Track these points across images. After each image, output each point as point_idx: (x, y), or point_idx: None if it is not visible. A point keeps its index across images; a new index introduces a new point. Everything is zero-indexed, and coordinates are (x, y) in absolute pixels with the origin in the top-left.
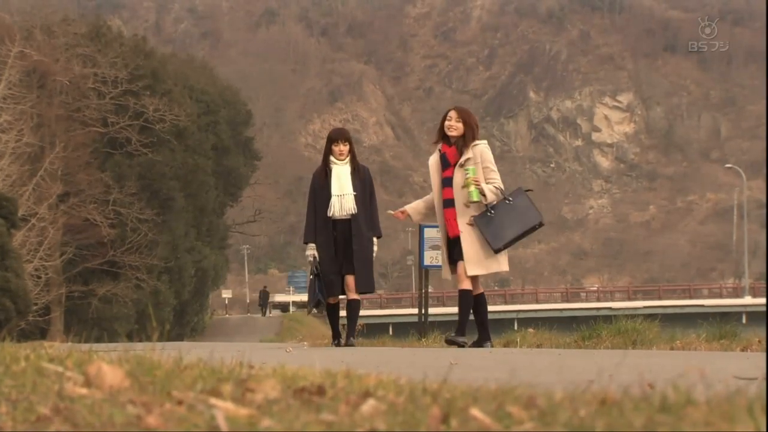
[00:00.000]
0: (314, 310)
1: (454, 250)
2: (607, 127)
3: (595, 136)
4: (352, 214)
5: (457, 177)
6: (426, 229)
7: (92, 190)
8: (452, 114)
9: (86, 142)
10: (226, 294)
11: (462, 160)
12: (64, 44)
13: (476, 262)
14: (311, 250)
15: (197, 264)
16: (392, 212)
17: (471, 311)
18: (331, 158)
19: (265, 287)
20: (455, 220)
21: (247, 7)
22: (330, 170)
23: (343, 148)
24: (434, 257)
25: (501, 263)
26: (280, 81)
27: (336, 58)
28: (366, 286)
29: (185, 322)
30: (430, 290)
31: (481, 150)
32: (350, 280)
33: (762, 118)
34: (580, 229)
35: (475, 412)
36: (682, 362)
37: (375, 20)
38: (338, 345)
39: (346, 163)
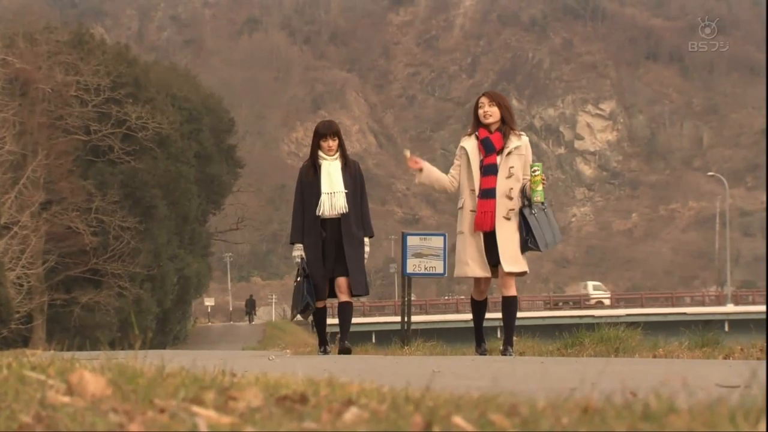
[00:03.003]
0: (298, 316)
1: (487, 247)
2: (589, 135)
3: (577, 144)
4: (343, 213)
5: (504, 166)
6: (409, 237)
7: (75, 198)
8: (484, 100)
9: (69, 150)
10: (209, 302)
11: (511, 147)
12: (46, 52)
13: (514, 259)
14: (298, 251)
15: (180, 272)
16: (408, 153)
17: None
18: (320, 153)
19: (251, 295)
20: (494, 212)
21: (229, 15)
22: (319, 166)
23: (332, 143)
24: (417, 265)
25: (525, 264)
26: (263, 89)
27: (319, 66)
28: (359, 288)
29: (168, 330)
30: (412, 298)
31: (527, 143)
32: (342, 282)
33: (744, 127)
34: (563, 237)
35: (458, 420)
36: (664, 370)
37: (358, 28)
38: (325, 352)
39: (336, 158)
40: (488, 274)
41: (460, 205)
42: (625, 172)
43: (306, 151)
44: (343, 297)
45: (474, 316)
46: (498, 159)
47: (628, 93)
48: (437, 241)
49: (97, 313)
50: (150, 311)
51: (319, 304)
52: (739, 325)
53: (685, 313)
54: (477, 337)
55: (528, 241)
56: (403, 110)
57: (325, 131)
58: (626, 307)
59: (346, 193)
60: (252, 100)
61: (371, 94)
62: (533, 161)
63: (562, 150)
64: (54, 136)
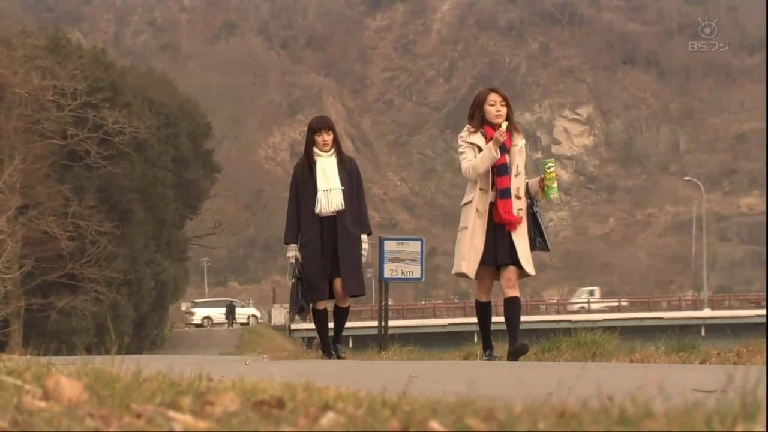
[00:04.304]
0: (297, 317)
1: (495, 246)
2: (566, 140)
3: (554, 148)
4: (339, 211)
5: (512, 165)
6: (386, 242)
7: (51, 203)
8: (495, 98)
9: (45, 155)
10: (186, 306)
11: (519, 145)
12: (22, 56)
13: (529, 260)
14: (292, 252)
15: (157, 276)
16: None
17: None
18: (315, 150)
19: (231, 301)
20: (511, 212)
21: (206, 19)
22: (314, 163)
23: (327, 137)
24: (394, 269)
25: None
26: (240, 93)
27: (296, 70)
28: (355, 288)
29: (144, 335)
30: (389, 303)
31: (524, 141)
32: (338, 283)
33: (720, 132)
34: None
35: (434, 424)
36: (641, 375)
37: (335, 33)
38: (330, 357)
39: (332, 154)
40: (472, 276)
41: (467, 200)
42: (602, 176)
43: (282, 156)
44: (339, 301)
45: (479, 319)
46: (507, 158)
47: (605, 98)
48: (414, 246)
49: (73, 317)
50: (127, 316)
51: (320, 305)
52: (716, 329)
53: (661, 318)
54: (484, 342)
55: (536, 241)
56: (380, 115)
57: (319, 125)
58: (603, 312)
59: (342, 190)
60: (229, 104)
61: (348, 99)
62: (544, 158)
63: (539, 155)
64: (30, 140)
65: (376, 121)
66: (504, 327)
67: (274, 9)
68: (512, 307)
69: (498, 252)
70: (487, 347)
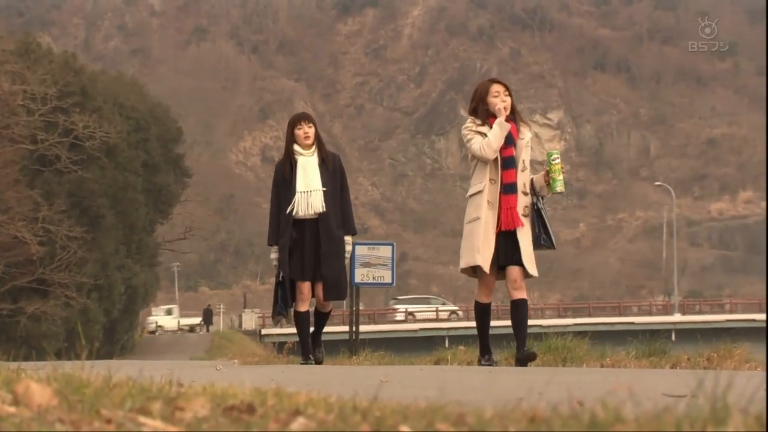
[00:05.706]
0: (283, 320)
1: (500, 244)
2: (537, 145)
3: None
4: (321, 213)
5: (519, 159)
6: (357, 246)
7: (21, 208)
8: (499, 88)
9: (15, 159)
10: (157, 312)
11: (526, 138)
12: None
13: (531, 260)
14: (275, 254)
15: (127, 281)
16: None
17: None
18: (296, 147)
19: (209, 305)
20: (516, 209)
21: (177, 24)
22: (295, 162)
23: (308, 129)
24: (365, 274)
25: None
26: (211, 98)
27: (266, 75)
28: (336, 293)
29: (115, 340)
30: (360, 308)
31: (530, 134)
32: (318, 287)
33: (691, 137)
34: None
35: (405, 429)
36: (611, 379)
37: (306, 38)
38: (307, 362)
39: (313, 152)
40: (487, 271)
41: (476, 191)
42: (573, 181)
43: (253, 161)
44: (320, 306)
45: (479, 322)
46: (514, 151)
47: (576, 103)
48: (385, 251)
49: (43, 323)
50: (97, 321)
51: (301, 308)
52: (686, 334)
53: (632, 323)
54: (482, 346)
55: (541, 238)
56: (351, 120)
57: (299, 118)
58: (574, 316)
59: (324, 191)
60: (199, 109)
61: (319, 104)
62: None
63: None
64: (0, 145)
65: (347, 126)
66: (503, 331)
67: (245, 14)
68: (519, 310)
69: (503, 251)
70: (486, 352)
